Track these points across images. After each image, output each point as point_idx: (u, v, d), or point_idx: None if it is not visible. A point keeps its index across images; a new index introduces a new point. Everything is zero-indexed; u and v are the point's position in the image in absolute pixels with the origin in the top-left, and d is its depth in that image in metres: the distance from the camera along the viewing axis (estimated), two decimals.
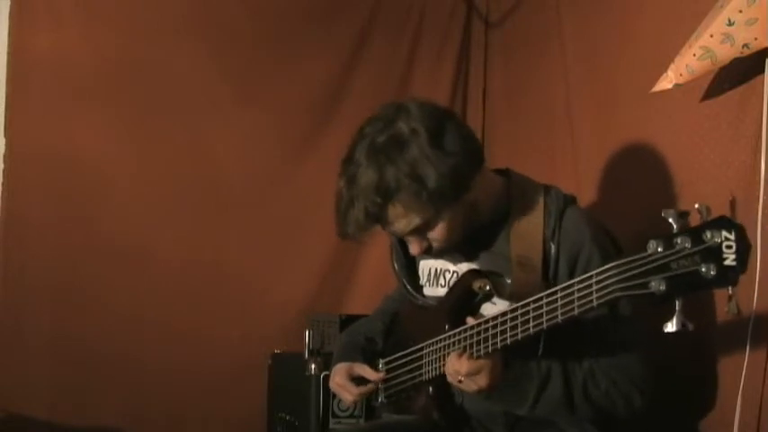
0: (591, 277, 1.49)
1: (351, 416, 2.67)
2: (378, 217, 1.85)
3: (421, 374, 1.94)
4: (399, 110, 1.86)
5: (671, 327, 1.36)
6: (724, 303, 1.40)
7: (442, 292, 2.03)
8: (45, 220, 3.07)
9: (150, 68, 3.18)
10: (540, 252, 1.86)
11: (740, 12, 1.89)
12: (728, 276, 1.30)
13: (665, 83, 2.07)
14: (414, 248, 1.96)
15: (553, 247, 1.87)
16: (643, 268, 1.37)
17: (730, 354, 2.03)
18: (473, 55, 3.52)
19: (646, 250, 1.37)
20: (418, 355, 1.95)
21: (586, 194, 2.55)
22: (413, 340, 1.99)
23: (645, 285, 1.36)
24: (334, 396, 2.65)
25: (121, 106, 3.16)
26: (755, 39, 1.89)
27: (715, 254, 1.30)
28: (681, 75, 2.03)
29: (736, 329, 1.97)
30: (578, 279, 1.53)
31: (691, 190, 2.21)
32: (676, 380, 2.10)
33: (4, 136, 3.04)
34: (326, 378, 2.61)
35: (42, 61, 3.06)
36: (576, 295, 1.52)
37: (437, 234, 1.90)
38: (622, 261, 1.41)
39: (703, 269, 1.30)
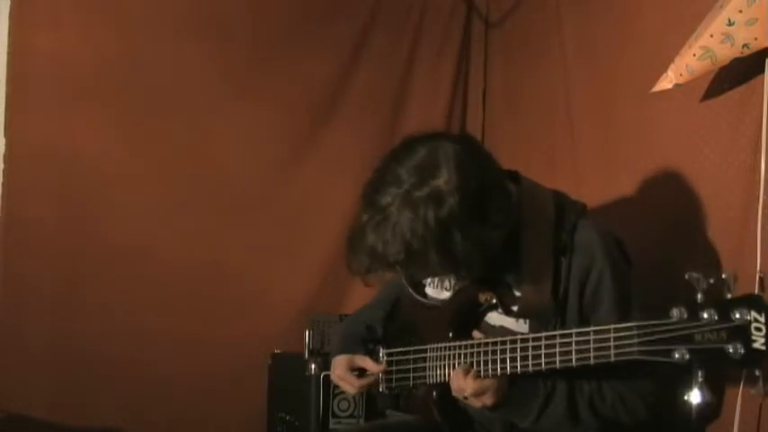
0: (609, 331, 1.49)
1: (351, 416, 2.67)
2: (396, 267, 1.79)
3: (424, 376, 1.93)
4: (440, 161, 1.72)
5: (694, 398, 1.37)
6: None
7: (445, 294, 2.02)
8: (45, 220, 3.06)
9: (150, 68, 3.18)
10: (551, 266, 1.83)
11: (740, 12, 1.89)
12: (756, 360, 1.30)
13: (665, 83, 2.07)
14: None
15: (564, 262, 1.84)
16: (666, 335, 1.37)
17: None
18: (473, 55, 3.52)
19: (669, 316, 1.36)
20: (422, 356, 1.95)
21: (586, 194, 2.53)
22: (415, 335, 1.99)
23: (668, 353, 1.36)
24: (335, 396, 2.66)
25: (121, 106, 3.16)
26: (755, 39, 1.89)
27: (743, 334, 1.29)
28: (681, 75, 2.03)
29: None
30: (594, 329, 1.53)
31: (691, 190, 2.21)
32: (676, 379, 2.09)
33: (4, 136, 3.04)
34: (327, 378, 2.62)
35: (42, 61, 3.06)
36: (593, 345, 1.53)
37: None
38: (645, 324, 1.40)
39: (730, 349, 1.30)
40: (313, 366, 2.70)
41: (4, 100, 3.05)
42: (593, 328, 1.53)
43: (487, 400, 1.75)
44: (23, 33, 3.05)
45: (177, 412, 3.14)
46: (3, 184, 3.03)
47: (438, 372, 1.88)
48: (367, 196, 1.77)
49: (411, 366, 1.98)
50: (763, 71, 1.95)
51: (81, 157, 3.10)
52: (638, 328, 1.41)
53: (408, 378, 2.00)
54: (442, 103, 3.46)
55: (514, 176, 1.95)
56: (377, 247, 1.73)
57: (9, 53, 3.04)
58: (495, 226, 1.73)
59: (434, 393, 1.92)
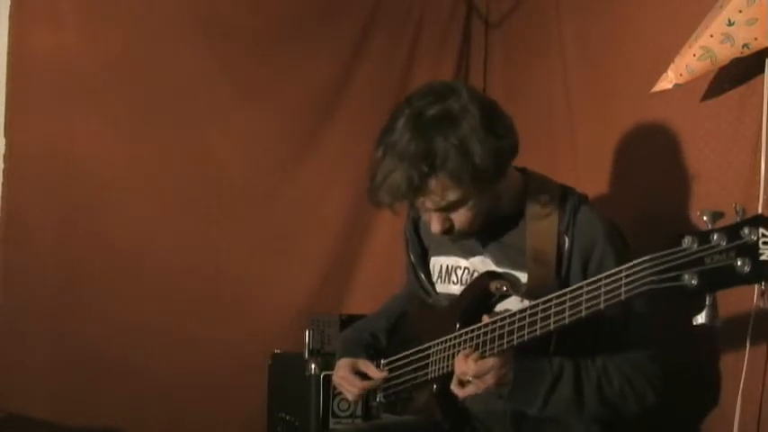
0: (620, 271, 1.48)
1: (351, 416, 2.67)
2: (419, 187, 1.81)
3: (425, 374, 1.93)
4: (450, 89, 1.86)
5: (701, 319, 1.36)
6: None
7: (454, 288, 2.03)
8: (45, 220, 3.06)
9: (150, 68, 3.18)
10: (555, 246, 1.87)
11: (740, 12, 1.89)
12: (764, 271, 1.29)
13: (665, 83, 2.07)
14: (436, 226, 1.92)
15: (567, 241, 1.88)
16: (676, 262, 1.37)
17: (730, 354, 2.03)
18: (473, 55, 3.52)
19: (680, 245, 1.37)
20: (424, 354, 1.95)
21: (586, 194, 2.55)
22: (419, 341, 1.99)
23: (677, 278, 1.36)
24: (335, 396, 2.66)
25: (122, 106, 3.16)
26: (755, 39, 1.89)
27: (751, 249, 1.29)
28: (681, 75, 2.03)
29: (736, 329, 1.97)
30: (605, 274, 1.52)
31: (691, 190, 2.21)
32: (677, 379, 2.09)
33: (4, 136, 3.04)
34: (327, 378, 2.61)
35: (42, 61, 3.06)
36: (604, 289, 1.51)
37: (463, 216, 1.89)
38: (656, 255, 1.41)
39: (738, 263, 1.30)
40: (313, 366, 2.70)
41: (4, 100, 3.04)
42: (605, 274, 1.52)
43: (490, 380, 1.73)
44: (23, 33, 3.05)
45: (177, 412, 3.14)
46: (3, 184, 3.03)
47: (441, 364, 1.88)
48: (381, 133, 1.87)
49: (411, 368, 1.99)
50: (763, 71, 1.95)
51: (81, 157, 3.10)
52: (651, 260, 1.41)
53: (407, 383, 2.00)
54: None
55: (522, 170, 2.03)
56: (400, 166, 1.79)
57: (9, 53, 3.04)
58: (504, 137, 1.85)
59: (435, 387, 1.91)
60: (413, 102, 1.85)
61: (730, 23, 1.90)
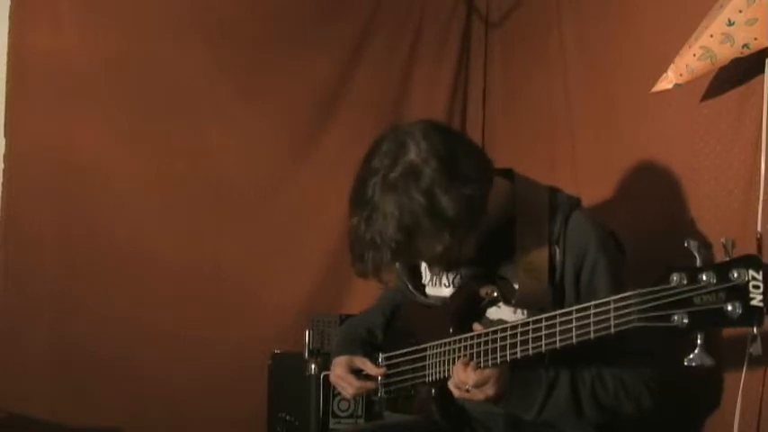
0: (608, 303, 1.48)
1: (351, 416, 2.67)
2: (402, 254, 1.79)
3: (424, 375, 1.93)
4: (406, 138, 1.78)
5: (693, 361, 1.37)
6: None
7: (445, 291, 2.03)
8: (45, 221, 3.07)
9: (150, 69, 3.18)
10: (546, 256, 1.85)
11: (740, 12, 1.89)
12: (754, 317, 1.30)
13: (665, 83, 2.07)
14: (435, 270, 1.96)
15: (558, 251, 1.86)
16: (665, 300, 1.37)
17: (730, 354, 2.02)
18: (473, 55, 3.52)
19: (668, 282, 1.36)
20: (421, 355, 1.95)
21: (585, 195, 2.52)
22: (415, 338, 1.99)
23: (667, 318, 1.37)
24: (335, 396, 2.65)
25: (121, 106, 3.16)
26: (755, 39, 1.89)
27: (741, 293, 1.30)
28: (681, 75, 2.03)
29: (736, 330, 1.97)
30: (594, 303, 1.52)
31: (691, 190, 2.21)
32: (676, 380, 2.09)
33: (4, 136, 3.04)
34: (327, 378, 2.61)
35: (42, 61, 3.06)
36: (593, 319, 1.52)
37: (458, 253, 1.86)
38: (644, 291, 1.41)
39: (729, 308, 1.31)
40: (313, 366, 2.70)
41: (4, 100, 3.05)
42: (593, 303, 1.53)
43: (489, 390, 1.74)
44: (23, 33, 3.05)
45: (177, 412, 3.14)
46: (3, 184, 3.03)
47: (438, 368, 1.88)
48: (352, 201, 1.83)
49: (410, 367, 1.98)
50: (763, 71, 1.95)
51: (81, 157, 3.11)
52: (638, 296, 1.41)
53: (407, 380, 2.00)
54: (441, 102, 3.46)
55: (508, 173, 1.98)
56: (375, 239, 1.76)
57: (9, 53, 3.04)
58: (473, 181, 1.76)
59: (433, 390, 1.92)
60: (374, 163, 1.79)
61: (730, 23, 1.90)
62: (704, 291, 1.33)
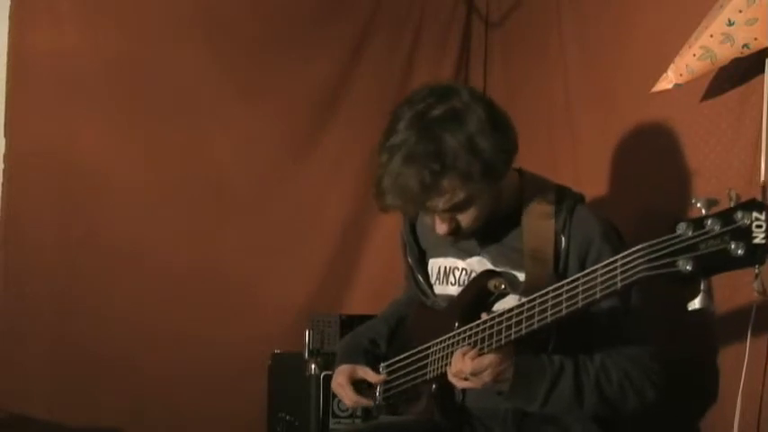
0: (616, 261, 1.48)
1: (351, 416, 2.67)
2: (431, 186, 1.80)
3: (424, 374, 1.93)
4: (451, 89, 1.87)
5: (696, 304, 1.37)
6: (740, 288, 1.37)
7: (452, 289, 2.03)
8: (45, 221, 3.06)
9: (151, 69, 3.18)
10: (552, 246, 1.88)
11: (740, 12, 1.89)
12: (757, 254, 1.29)
13: (665, 83, 2.07)
14: (442, 227, 1.92)
15: (564, 240, 1.89)
16: (671, 248, 1.37)
17: (730, 353, 2.03)
18: (473, 55, 3.52)
19: (675, 232, 1.37)
20: (423, 354, 1.95)
21: (586, 194, 2.53)
22: (418, 344, 1.98)
23: (672, 264, 1.36)
24: (335, 396, 2.65)
25: (122, 106, 3.16)
26: (755, 39, 1.89)
27: (745, 233, 1.30)
28: (681, 75, 2.03)
29: (736, 329, 1.97)
30: (602, 264, 1.52)
31: (691, 190, 2.21)
32: (676, 379, 2.10)
33: (4, 136, 3.04)
34: (327, 378, 2.61)
35: (42, 61, 3.06)
36: (600, 279, 1.51)
37: (469, 216, 1.89)
38: (650, 243, 1.41)
39: (732, 247, 1.30)
40: (313, 366, 2.70)
41: (4, 100, 3.05)
42: (600, 265, 1.52)
43: (487, 377, 1.73)
44: (23, 33, 3.05)
45: (177, 412, 3.14)
46: (3, 184, 3.03)
47: (439, 364, 1.88)
48: (386, 133, 1.86)
49: (411, 368, 1.99)
50: (763, 71, 1.95)
51: (81, 157, 3.10)
52: (644, 248, 1.41)
53: (408, 382, 2.00)
54: None
55: (518, 170, 2.03)
56: (410, 167, 1.78)
57: (9, 53, 3.04)
58: (507, 133, 1.89)
59: (433, 386, 1.91)
60: (414, 103, 1.85)
61: (730, 23, 1.90)
62: (709, 236, 1.33)
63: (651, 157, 2.38)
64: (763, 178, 1.93)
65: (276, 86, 3.32)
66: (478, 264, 1.99)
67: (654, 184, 2.35)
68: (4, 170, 3.04)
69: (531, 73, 3.17)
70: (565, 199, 1.95)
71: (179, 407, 3.14)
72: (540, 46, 3.08)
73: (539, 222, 1.91)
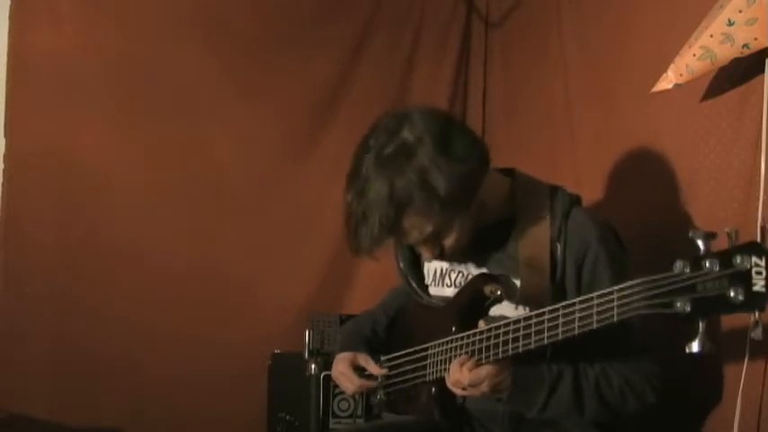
0: (612, 292, 1.48)
1: (351, 416, 2.67)
2: (392, 229, 1.82)
3: (424, 375, 1.93)
4: (402, 119, 1.85)
5: (694, 348, 1.37)
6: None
7: (448, 291, 2.03)
8: (45, 221, 3.06)
9: (151, 69, 3.18)
10: (548, 253, 1.86)
11: (740, 12, 1.89)
12: (757, 302, 1.30)
13: (665, 83, 2.07)
14: (426, 256, 1.95)
15: (560, 247, 1.87)
16: (669, 287, 1.37)
17: (730, 354, 2.03)
18: (473, 55, 3.52)
19: (672, 270, 1.36)
20: (422, 355, 1.95)
21: (586, 194, 2.52)
22: (416, 339, 1.99)
23: (670, 305, 1.36)
24: (335, 396, 2.66)
25: (122, 106, 3.16)
26: (755, 39, 1.89)
27: (744, 279, 1.30)
28: (681, 75, 2.03)
29: (736, 329, 1.97)
30: (598, 293, 1.52)
31: (691, 190, 2.21)
32: (676, 380, 2.10)
33: (4, 136, 3.04)
34: (327, 378, 2.62)
35: (42, 61, 3.06)
36: (596, 309, 1.52)
37: (449, 240, 1.89)
38: (647, 279, 1.41)
39: (731, 293, 1.30)
40: (313, 366, 2.70)
41: (4, 100, 3.05)
42: (596, 293, 1.53)
43: (485, 387, 1.74)
44: (23, 33, 3.05)
45: (177, 412, 3.14)
46: (3, 184, 3.03)
47: (438, 367, 1.88)
48: (348, 176, 1.88)
49: (411, 367, 1.98)
50: (763, 71, 1.95)
51: (81, 156, 3.10)
52: (641, 284, 1.42)
53: (408, 381, 2.00)
54: (441, 102, 3.45)
55: (509, 172, 2.00)
56: (366, 213, 1.80)
57: (9, 53, 3.04)
58: (467, 161, 1.81)
59: (433, 389, 1.91)
60: (369, 141, 1.86)
61: (730, 23, 1.90)
62: (707, 277, 1.33)
63: (651, 157, 2.37)
64: (763, 178, 1.93)
65: (276, 86, 3.32)
66: (475, 267, 1.99)
67: (653, 185, 2.35)
68: (4, 170, 3.04)
69: (531, 73, 3.17)
70: (559, 202, 1.93)
71: (179, 407, 3.14)
72: (540, 46, 3.08)
73: (533, 230, 1.89)
